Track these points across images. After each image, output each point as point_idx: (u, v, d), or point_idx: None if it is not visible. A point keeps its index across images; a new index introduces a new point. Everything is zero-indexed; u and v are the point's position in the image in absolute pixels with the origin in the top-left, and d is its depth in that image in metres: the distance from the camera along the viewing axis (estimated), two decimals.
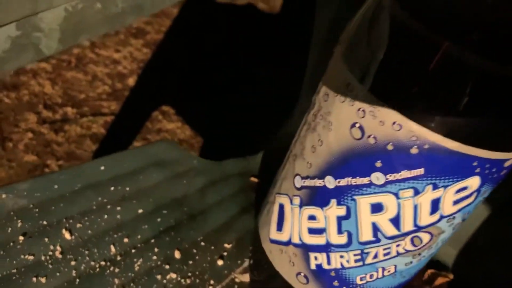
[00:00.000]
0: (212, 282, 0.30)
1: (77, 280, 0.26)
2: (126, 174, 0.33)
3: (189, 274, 0.30)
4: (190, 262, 0.31)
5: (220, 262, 0.31)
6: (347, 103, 0.20)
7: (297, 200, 0.24)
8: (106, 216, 0.30)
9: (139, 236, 0.30)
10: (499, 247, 0.35)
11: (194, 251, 0.31)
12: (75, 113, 1.00)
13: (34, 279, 0.26)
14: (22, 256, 0.26)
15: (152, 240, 0.30)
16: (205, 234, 0.33)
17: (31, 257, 0.26)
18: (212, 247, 0.32)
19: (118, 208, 0.31)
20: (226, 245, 0.33)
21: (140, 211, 0.32)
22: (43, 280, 0.26)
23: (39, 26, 0.24)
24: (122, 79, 1.11)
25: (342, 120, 0.20)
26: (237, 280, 0.31)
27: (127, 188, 0.32)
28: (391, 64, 0.18)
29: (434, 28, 0.17)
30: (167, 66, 1.20)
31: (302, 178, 0.23)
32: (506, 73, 0.17)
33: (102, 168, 0.33)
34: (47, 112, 0.96)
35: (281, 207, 0.25)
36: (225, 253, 0.32)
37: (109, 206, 0.31)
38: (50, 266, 0.26)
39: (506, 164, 0.19)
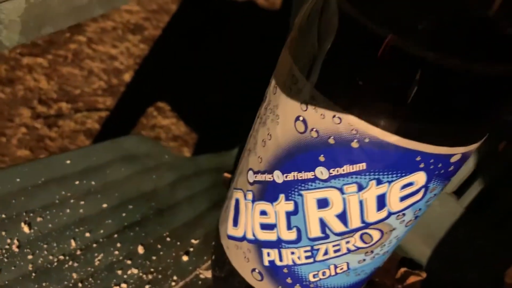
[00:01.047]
0: (175, 278, 0.30)
1: (33, 274, 0.26)
2: (92, 168, 0.33)
3: (152, 269, 0.29)
4: (154, 257, 0.30)
5: (185, 258, 0.31)
6: (291, 96, 0.19)
7: (250, 195, 0.23)
8: (68, 210, 0.30)
9: (101, 231, 0.30)
10: (472, 247, 0.34)
11: (159, 246, 0.31)
12: (70, 109, 1.00)
13: None
14: None
15: (115, 235, 0.30)
16: (171, 229, 0.32)
17: None
18: (178, 243, 0.32)
19: (82, 202, 0.31)
20: (193, 241, 0.32)
21: (105, 205, 0.31)
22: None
23: None
24: (118, 75, 1.11)
25: (287, 113, 0.20)
26: (201, 276, 0.31)
27: (93, 182, 0.32)
28: (333, 57, 0.18)
29: (377, 21, 0.17)
30: (163, 62, 1.19)
31: (254, 173, 0.23)
32: (449, 66, 0.16)
33: (68, 162, 0.32)
34: (41, 107, 0.96)
35: (237, 202, 0.25)
36: (191, 249, 0.32)
37: (72, 200, 0.30)
38: (6, 260, 0.26)
39: (453, 160, 0.19)
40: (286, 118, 0.20)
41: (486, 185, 0.33)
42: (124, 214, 0.31)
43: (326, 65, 0.18)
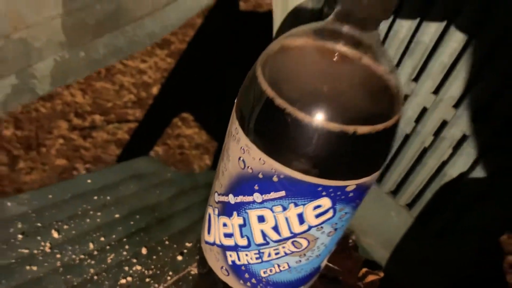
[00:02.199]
0: (170, 273, 0.38)
1: (61, 269, 0.35)
2: (108, 185, 0.41)
3: (152, 266, 0.37)
4: (154, 257, 0.38)
5: (179, 258, 0.39)
6: (235, 142, 0.27)
7: (216, 211, 0.31)
8: (88, 220, 0.38)
9: (113, 236, 0.38)
10: (421, 252, 0.41)
11: (159, 248, 0.39)
12: (103, 120, 1.10)
13: (28, 267, 0.34)
14: (19, 250, 0.35)
15: (124, 239, 0.38)
16: (170, 235, 0.40)
17: (26, 251, 0.35)
18: (175, 245, 0.40)
19: (99, 213, 0.39)
20: (187, 244, 0.40)
21: (117, 216, 0.40)
22: (34, 268, 0.34)
23: (33, 75, 0.31)
24: (147, 88, 1.20)
25: (233, 154, 0.27)
26: (192, 272, 0.38)
27: (108, 197, 0.40)
28: (258, 121, 0.25)
29: (285, 96, 0.24)
30: (188, 74, 1.28)
31: (218, 194, 0.30)
32: (329, 129, 0.23)
33: (89, 181, 0.41)
34: (77, 119, 1.07)
35: (209, 216, 0.32)
36: (185, 251, 0.40)
37: (91, 212, 0.39)
38: (40, 258, 0.35)
39: (349, 189, 0.26)
40: (233, 157, 0.27)
41: (433, 199, 0.40)
42: (132, 223, 0.40)
43: (254, 126, 0.25)
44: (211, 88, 1.24)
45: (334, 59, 0.25)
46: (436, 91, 0.38)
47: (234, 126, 0.27)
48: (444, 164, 0.38)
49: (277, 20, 0.44)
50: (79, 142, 1.03)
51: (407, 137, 0.40)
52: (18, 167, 0.96)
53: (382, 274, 0.42)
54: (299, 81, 0.25)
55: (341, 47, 0.24)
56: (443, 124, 0.38)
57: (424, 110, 0.39)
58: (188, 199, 0.43)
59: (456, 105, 0.37)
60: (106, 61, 0.39)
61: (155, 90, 1.20)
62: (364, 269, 0.42)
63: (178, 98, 1.21)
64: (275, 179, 0.25)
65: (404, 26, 0.38)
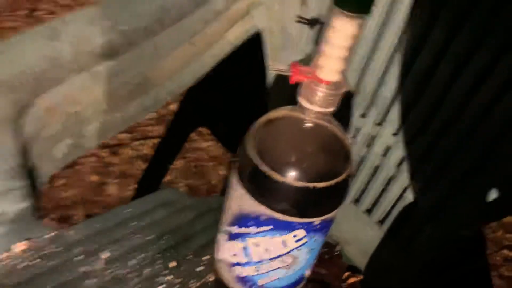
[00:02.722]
0: (194, 281, 0.49)
1: (111, 282, 0.46)
2: (142, 213, 0.53)
3: (179, 276, 0.49)
4: (181, 268, 0.50)
5: (200, 268, 0.50)
6: (234, 190, 0.38)
7: (225, 237, 0.42)
8: (128, 242, 0.50)
9: (149, 253, 0.50)
10: (391, 259, 0.51)
11: (184, 261, 0.50)
12: (129, 138, 1.22)
13: (87, 281, 0.45)
14: (79, 269, 0.46)
15: (158, 255, 0.50)
16: (192, 250, 0.52)
17: (83, 269, 0.46)
18: (196, 259, 0.51)
19: (137, 236, 0.50)
20: (206, 257, 0.51)
21: (151, 237, 0.51)
22: (91, 281, 0.45)
23: (83, 135, 0.43)
24: (166, 106, 1.32)
25: (234, 198, 0.38)
26: (210, 279, 0.50)
27: (143, 223, 0.52)
28: (249, 176, 0.36)
29: (266, 162, 0.35)
30: (203, 90, 1.39)
31: (225, 225, 0.41)
32: (296, 185, 0.34)
33: (128, 210, 0.52)
34: None
35: (220, 239, 0.43)
36: (205, 262, 0.51)
37: (131, 235, 0.50)
38: (95, 273, 0.46)
39: (315, 223, 0.36)
40: (234, 201, 0.38)
41: (398, 217, 0.50)
42: (162, 242, 0.51)
43: (247, 181, 0.36)
44: (224, 102, 1.35)
45: (302, 130, 0.35)
46: (395, 133, 0.48)
47: (233, 179, 0.38)
48: (405, 190, 0.49)
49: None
50: (108, 159, 1.15)
51: (376, 168, 0.51)
52: (57, 184, 1.08)
53: (361, 277, 0.53)
54: (276, 151, 0.36)
55: (308, 121, 0.35)
56: (403, 158, 0.48)
57: (388, 148, 0.49)
58: (205, 220, 0.55)
59: (411, 142, 0.47)
60: (136, 117, 0.50)
61: (173, 107, 1.32)
62: (346, 273, 0.53)
63: (194, 113, 1.32)
64: (263, 218, 0.36)
65: (370, 83, 0.49)
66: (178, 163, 1.19)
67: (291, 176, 0.34)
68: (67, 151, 0.47)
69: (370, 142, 0.50)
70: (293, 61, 0.34)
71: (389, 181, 0.50)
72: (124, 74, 0.46)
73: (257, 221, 0.37)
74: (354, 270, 0.54)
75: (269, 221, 0.36)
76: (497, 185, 0.43)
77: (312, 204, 0.35)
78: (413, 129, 0.46)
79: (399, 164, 0.48)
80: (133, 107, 0.50)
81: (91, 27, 0.41)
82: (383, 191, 0.51)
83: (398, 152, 0.48)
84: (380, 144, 0.49)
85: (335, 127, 0.36)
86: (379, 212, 0.51)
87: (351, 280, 0.52)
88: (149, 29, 0.45)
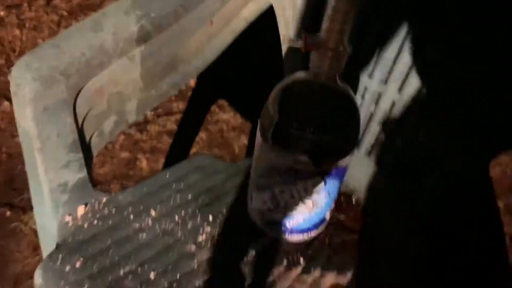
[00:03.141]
0: (229, 231, 0.56)
1: (160, 234, 0.54)
2: (180, 177, 0.60)
3: (217, 227, 0.56)
4: (218, 221, 0.57)
5: (235, 220, 0.58)
6: (261, 147, 0.45)
7: (256, 187, 0.49)
8: (171, 201, 0.57)
9: (189, 210, 0.57)
10: (401, 202, 0.58)
11: (220, 215, 0.58)
12: (153, 115, 1.29)
13: (140, 235, 0.53)
14: (133, 225, 0.54)
15: (197, 211, 0.57)
16: (226, 205, 0.59)
17: (137, 225, 0.54)
18: (230, 213, 0.58)
19: (178, 196, 0.58)
20: (238, 211, 0.59)
21: (189, 197, 0.58)
22: (143, 235, 0.53)
23: (125, 111, 0.50)
24: None
25: (260, 153, 0.45)
26: (245, 227, 0.57)
27: (182, 185, 0.59)
28: (274, 135, 0.43)
29: (289, 121, 0.42)
30: (221, 63, 1.45)
31: (257, 178, 0.48)
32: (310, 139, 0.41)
33: (167, 175, 0.60)
34: None
35: (252, 191, 0.50)
36: (237, 215, 0.58)
37: (172, 196, 0.58)
38: (146, 229, 0.54)
39: (330, 171, 0.43)
40: (262, 154, 0.45)
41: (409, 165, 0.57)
42: (200, 200, 0.58)
43: (270, 138, 0.43)
44: (241, 75, 1.41)
45: (314, 91, 0.42)
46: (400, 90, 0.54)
47: (259, 137, 0.45)
48: (411, 139, 0.55)
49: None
50: (137, 136, 1.23)
51: (383, 123, 0.57)
52: (92, 162, 1.17)
53: None
54: (293, 110, 0.42)
55: (319, 84, 0.41)
56: (407, 112, 0.54)
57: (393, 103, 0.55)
58: (234, 181, 0.62)
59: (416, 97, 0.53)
60: (168, 93, 0.57)
61: (192, 82, 1.38)
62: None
63: (213, 87, 1.39)
64: (287, 168, 0.43)
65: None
66: (202, 136, 1.26)
67: (306, 131, 0.41)
68: (113, 126, 0.54)
69: (378, 99, 0.56)
70: (304, 32, 0.40)
71: (395, 133, 0.56)
72: (156, 55, 0.53)
73: (281, 172, 0.44)
74: (369, 213, 0.60)
75: (290, 171, 0.43)
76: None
77: (326, 153, 0.42)
78: (415, 85, 0.52)
79: (403, 117, 0.55)
80: (165, 84, 0.57)
81: (127, 17, 0.48)
82: (391, 142, 0.57)
83: (402, 105, 0.54)
84: (386, 100, 0.55)
85: (342, 87, 0.43)
86: (388, 162, 0.58)
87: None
88: (175, 14, 0.52)
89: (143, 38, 0.50)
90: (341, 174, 0.45)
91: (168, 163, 1.18)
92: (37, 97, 0.45)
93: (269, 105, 0.43)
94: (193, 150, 1.23)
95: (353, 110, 0.43)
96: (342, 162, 0.44)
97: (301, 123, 0.41)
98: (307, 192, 0.45)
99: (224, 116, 1.31)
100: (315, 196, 0.45)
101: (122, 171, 1.16)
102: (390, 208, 0.59)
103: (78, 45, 0.46)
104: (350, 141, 0.43)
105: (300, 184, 0.44)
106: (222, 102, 1.34)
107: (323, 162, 0.42)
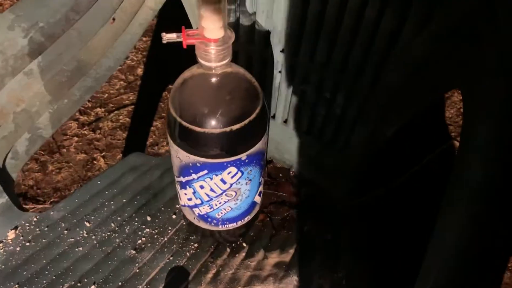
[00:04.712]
0: (170, 228, 0.56)
1: (97, 245, 0.53)
2: (113, 181, 0.59)
3: (157, 227, 0.56)
4: (157, 220, 0.56)
5: (174, 216, 0.57)
6: (171, 146, 0.44)
7: (178, 186, 0.48)
8: (105, 208, 0.56)
9: (126, 214, 0.56)
10: (334, 163, 0.58)
11: (159, 214, 0.57)
12: (104, 111, 1.26)
13: (76, 249, 0.52)
14: (68, 240, 0.53)
15: (134, 214, 0.56)
16: (164, 202, 0.58)
17: (72, 239, 0.53)
18: (169, 209, 0.58)
19: (112, 202, 0.57)
20: (177, 206, 0.58)
21: (124, 200, 0.57)
22: (80, 248, 0.52)
23: (39, 127, 0.49)
24: (132, 71, 1.35)
25: (172, 153, 0.44)
26: (184, 223, 0.56)
27: (115, 189, 0.58)
28: (177, 133, 0.42)
29: (186, 119, 0.40)
30: (164, 48, 1.41)
31: (176, 177, 0.47)
32: (216, 133, 0.40)
33: (99, 182, 0.58)
34: (83, 117, 1.24)
35: (177, 189, 0.50)
36: (176, 210, 0.58)
37: (106, 203, 0.57)
38: (82, 241, 0.53)
39: (243, 158, 0.42)
40: (173, 155, 0.44)
41: (335, 128, 0.56)
42: (135, 202, 0.57)
43: (177, 137, 0.42)
44: (189, 57, 1.38)
45: (208, 84, 0.40)
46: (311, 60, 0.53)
47: (167, 137, 0.44)
48: (332, 105, 0.54)
49: None
50: (90, 136, 1.20)
51: (302, 92, 0.56)
52: (49, 170, 1.15)
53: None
54: (192, 106, 0.41)
55: (211, 75, 0.40)
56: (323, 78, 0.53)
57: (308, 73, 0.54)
58: (171, 174, 0.61)
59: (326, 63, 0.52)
60: (82, 99, 0.55)
61: (139, 71, 1.35)
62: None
63: (162, 73, 1.36)
64: (198, 164, 0.42)
65: None
66: (157, 124, 1.24)
67: (209, 125, 0.39)
68: (28, 144, 0.52)
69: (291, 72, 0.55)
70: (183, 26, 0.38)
71: (318, 101, 0.55)
72: (57, 64, 0.50)
73: (195, 168, 0.43)
74: (307, 183, 0.60)
75: (203, 166, 0.42)
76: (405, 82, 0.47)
77: (233, 144, 0.41)
78: (324, 51, 0.51)
79: (320, 83, 0.53)
80: (77, 90, 0.55)
81: (12, 32, 0.46)
82: (315, 111, 0.56)
83: (317, 74, 0.53)
84: (300, 72, 0.54)
85: (238, 73, 0.41)
86: (315, 129, 0.57)
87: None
88: (66, 19, 0.49)
89: (36, 50, 0.47)
90: (257, 159, 0.44)
91: None
92: None
93: (170, 105, 0.42)
94: (150, 140, 1.21)
95: (255, 94, 0.42)
96: (254, 149, 0.43)
97: (202, 118, 0.40)
98: (226, 184, 0.44)
99: None
100: (235, 185, 0.45)
101: (80, 174, 1.14)
102: (326, 172, 0.59)
103: None
104: (259, 126, 0.42)
105: (216, 177, 0.43)
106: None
107: (234, 153, 0.41)
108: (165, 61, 1.37)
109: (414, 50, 0.41)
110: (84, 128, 1.22)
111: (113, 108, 1.27)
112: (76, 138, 1.20)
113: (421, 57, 0.41)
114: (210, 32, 0.36)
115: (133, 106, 1.28)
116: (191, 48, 0.39)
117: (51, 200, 1.10)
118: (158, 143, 1.20)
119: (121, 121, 1.24)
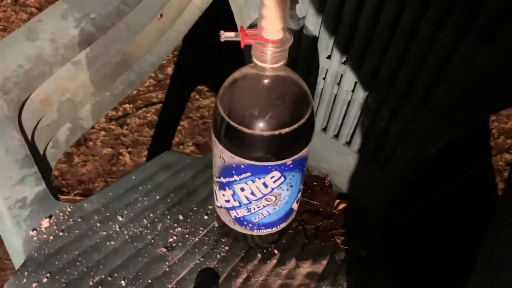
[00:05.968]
0: (201, 228, 0.55)
1: (129, 240, 0.53)
2: (147, 177, 0.59)
3: (188, 227, 0.55)
4: (189, 220, 0.56)
5: (206, 217, 0.56)
6: (215, 146, 0.43)
7: (217, 187, 0.48)
8: (139, 204, 0.56)
9: (158, 211, 0.56)
10: (371, 182, 0.56)
11: (191, 213, 0.57)
12: (132, 107, 1.27)
13: (108, 243, 0.52)
14: (100, 233, 0.53)
15: (166, 212, 0.56)
16: (197, 202, 0.58)
17: (104, 233, 0.53)
18: (201, 209, 0.57)
19: (145, 198, 0.57)
20: (209, 206, 0.57)
21: (158, 197, 0.57)
22: (112, 242, 0.52)
23: (80, 117, 0.48)
24: (163, 70, 1.36)
25: (216, 153, 0.44)
26: (216, 225, 0.56)
27: (149, 186, 0.58)
28: (224, 133, 0.41)
29: (235, 120, 0.40)
30: (195, 47, 1.42)
31: (215, 177, 0.47)
32: (264, 135, 0.39)
33: (133, 177, 0.58)
34: (111, 111, 1.25)
35: (214, 189, 0.49)
36: (209, 211, 0.57)
37: (140, 198, 0.56)
38: (114, 235, 0.53)
39: (288, 163, 0.42)
40: (216, 155, 0.44)
41: (376, 143, 0.55)
42: (169, 200, 0.57)
43: (222, 137, 0.41)
44: (218, 57, 1.38)
45: (261, 85, 0.40)
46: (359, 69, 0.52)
47: (213, 136, 0.43)
48: (375, 118, 0.53)
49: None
50: (118, 131, 1.21)
51: (348, 103, 0.55)
52: (75, 162, 1.15)
53: (347, 202, 0.58)
54: (242, 107, 0.40)
55: (265, 77, 0.39)
56: (370, 90, 0.52)
57: (355, 83, 0.53)
58: (204, 175, 0.60)
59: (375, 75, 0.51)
60: (124, 92, 0.55)
61: (169, 70, 1.36)
62: (337, 200, 0.59)
63: (191, 72, 1.36)
64: (242, 166, 0.42)
65: None
66: (184, 124, 1.24)
67: (258, 127, 0.39)
68: (68, 134, 0.52)
69: (339, 80, 0.54)
70: (242, 26, 0.38)
71: (361, 113, 0.54)
72: (104, 57, 0.50)
73: (238, 170, 0.42)
74: (343, 196, 0.59)
75: (247, 168, 0.42)
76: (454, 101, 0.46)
77: (280, 148, 0.40)
78: (374, 62, 0.50)
79: (368, 96, 0.53)
80: (120, 84, 0.55)
81: (65, 21, 0.46)
82: (356, 125, 0.55)
83: (365, 85, 0.52)
84: (348, 80, 0.53)
85: (291, 77, 0.41)
86: (356, 143, 0.56)
87: (341, 206, 0.58)
88: (117, 11, 0.49)
89: (85, 41, 0.47)
90: (301, 165, 0.44)
91: (152, 155, 1.17)
92: None
93: (218, 104, 0.42)
94: (176, 139, 1.21)
95: (305, 99, 0.41)
96: (300, 154, 0.42)
97: (251, 120, 0.39)
98: (267, 188, 0.43)
99: (205, 102, 1.29)
100: (276, 190, 0.44)
101: (105, 168, 1.15)
102: (364, 188, 0.58)
103: (14, 57, 0.43)
104: (306, 132, 0.42)
105: (258, 180, 0.42)
106: (201, 87, 1.32)
107: (280, 157, 0.41)
108: (195, 62, 1.38)
109: (476, 64, 0.40)
110: (112, 123, 1.23)
111: (141, 105, 1.27)
112: (103, 132, 1.21)
113: (484, 71, 0.40)
114: (269, 33, 0.36)
115: (161, 105, 1.28)
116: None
117: (75, 192, 1.11)
118: (184, 142, 1.20)
119: (148, 118, 1.25)
